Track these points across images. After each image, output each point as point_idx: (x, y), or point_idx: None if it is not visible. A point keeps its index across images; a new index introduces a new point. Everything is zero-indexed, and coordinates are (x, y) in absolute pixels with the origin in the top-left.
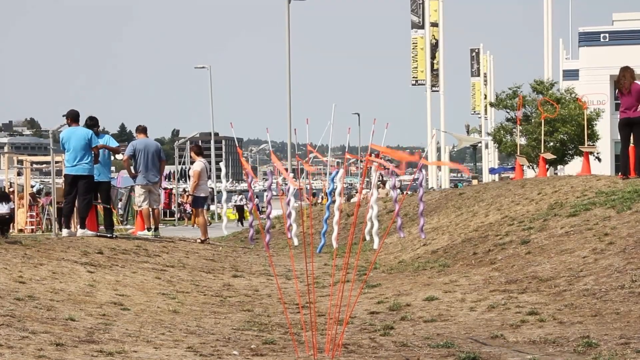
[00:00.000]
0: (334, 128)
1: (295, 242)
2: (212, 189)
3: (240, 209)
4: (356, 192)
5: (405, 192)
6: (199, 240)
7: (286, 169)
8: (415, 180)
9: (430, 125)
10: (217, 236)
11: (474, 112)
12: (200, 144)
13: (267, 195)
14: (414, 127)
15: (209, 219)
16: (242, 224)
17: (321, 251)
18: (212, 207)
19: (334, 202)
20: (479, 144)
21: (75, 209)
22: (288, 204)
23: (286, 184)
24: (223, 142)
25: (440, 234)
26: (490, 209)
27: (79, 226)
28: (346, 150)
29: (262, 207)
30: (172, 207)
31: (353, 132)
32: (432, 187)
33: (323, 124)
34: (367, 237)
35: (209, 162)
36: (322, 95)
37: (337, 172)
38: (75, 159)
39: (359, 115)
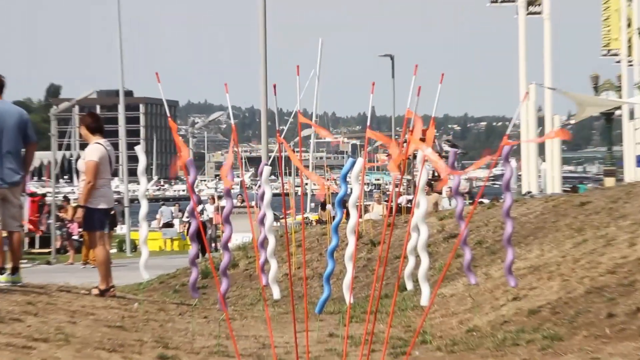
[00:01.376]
0: (327, 80)
1: (277, 294)
2: (120, 195)
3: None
4: (385, 201)
5: (476, 201)
6: (96, 291)
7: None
8: (496, 180)
9: (525, 77)
10: (132, 283)
11: (608, 51)
12: (98, 111)
13: (208, 207)
14: (487, 82)
15: (116, 250)
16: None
17: (322, 311)
18: (122, 229)
19: (345, 220)
20: (616, 112)
21: None
22: (262, 222)
23: (256, 186)
24: (142, 107)
25: (545, 278)
26: (639, 233)
27: None
28: (368, 123)
29: (213, 232)
30: (46, 230)
31: (382, 89)
32: (529, 192)
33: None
34: (408, 285)
35: (116, 147)
36: (319, 27)
37: (353, 163)
38: None
39: (392, 58)
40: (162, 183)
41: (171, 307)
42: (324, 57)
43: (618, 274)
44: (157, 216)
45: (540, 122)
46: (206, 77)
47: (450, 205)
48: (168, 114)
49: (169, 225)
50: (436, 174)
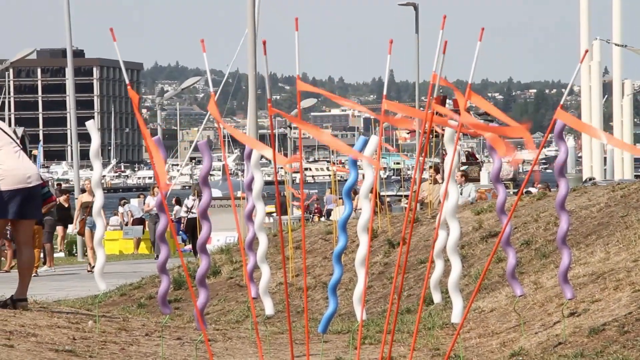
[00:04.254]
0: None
1: (269, 308)
2: (70, 184)
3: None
4: (401, 191)
5: (521, 189)
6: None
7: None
8: (548, 163)
9: (587, 32)
10: (85, 295)
11: None
12: (39, 76)
13: (192, 201)
14: (537, 39)
15: (63, 254)
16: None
17: (327, 329)
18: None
19: (355, 213)
20: None
21: None
22: (250, 218)
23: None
24: (96, 72)
25: (611, 288)
26: None
27: None
28: (384, 91)
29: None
30: None
31: (402, 49)
32: (591, 178)
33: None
34: (435, 296)
35: (64, 122)
36: None
37: (365, 142)
38: None
39: (415, 7)
40: (122, 168)
41: (135, 326)
42: (322, 8)
43: None
44: (120, 210)
45: (607, 88)
46: (178, 32)
47: (462, 195)
48: (127, 81)
49: (140, 222)
50: (471, 157)
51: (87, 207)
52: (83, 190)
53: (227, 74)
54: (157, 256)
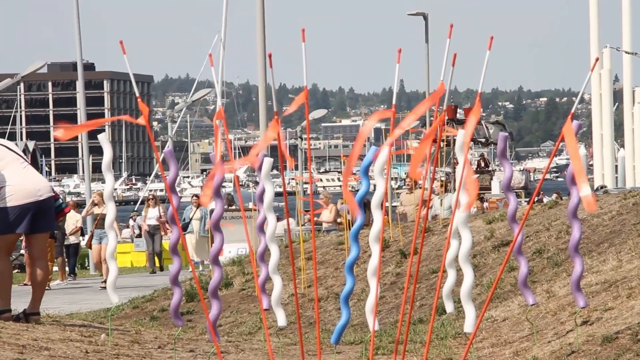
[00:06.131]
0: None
1: (282, 320)
2: (82, 197)
3: (152, 238)
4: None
5: (533, 198)
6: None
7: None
8: (560, 171)
9: (597, 40)
10: (98, 308)
11: None
12: (50, 90)
13: (151, 211)
14: (548, 46)
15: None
16: (160, 269)
17: (340, 340)
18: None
19: (367, 225)
20: None
21: None
22: (261, 230)
23: (253, 181)
24: (107, 85)
25: (624, 296)
26: None
27: None
28: (393, 101)
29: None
30: None
31: (412, 58)
32: (603, 186)
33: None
34: (448, 306)
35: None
36: None
37: (374, 150)
38: None
39: (425, 17)
40: (133, 181)
41: (148, 339)
42: (332, 19)
43: None
44: (131, 223)
45: (617, 96)
46: (188, 44)
47: (441, 206)
48: (137, 93)
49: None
50: (483, 165)
51: (95, 220)
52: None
53: (219, 88)
54: (153, 270)
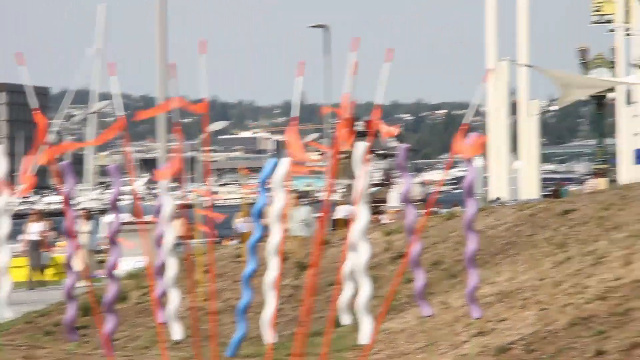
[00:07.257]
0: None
1: (178, 333)
2: None
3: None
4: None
5: (429, 209)
6: None
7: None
8: (457, 183)
9: (495, 53)
10: None
11: (600, 17)
12: None
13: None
14: (446, 60)
15: None
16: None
17: (236, 353)
18: None
19: (263, 239)
20: (609, 95)
21: None
22: (158, 244)
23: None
24: (5, 97)
25: (518, 307)
26: (638, 248)
27: None
28: (291, 113)
29: (96, 250)
30: None
31: (314, 71)
32: (498, 198)
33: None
34: (345, 318)
35: None
36: None
37: (275, 165)
38: None
39: (325, 29)
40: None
41: (41, 354)
42: (233, 31)
43: (609, 301)
44: (24, 237)
45: (514, 108)
46: (87, 55)
47: (293, 218)
48: (31, 107)
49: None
50: (384, 177)
51: None
52: None
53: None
54: (32, 287)
